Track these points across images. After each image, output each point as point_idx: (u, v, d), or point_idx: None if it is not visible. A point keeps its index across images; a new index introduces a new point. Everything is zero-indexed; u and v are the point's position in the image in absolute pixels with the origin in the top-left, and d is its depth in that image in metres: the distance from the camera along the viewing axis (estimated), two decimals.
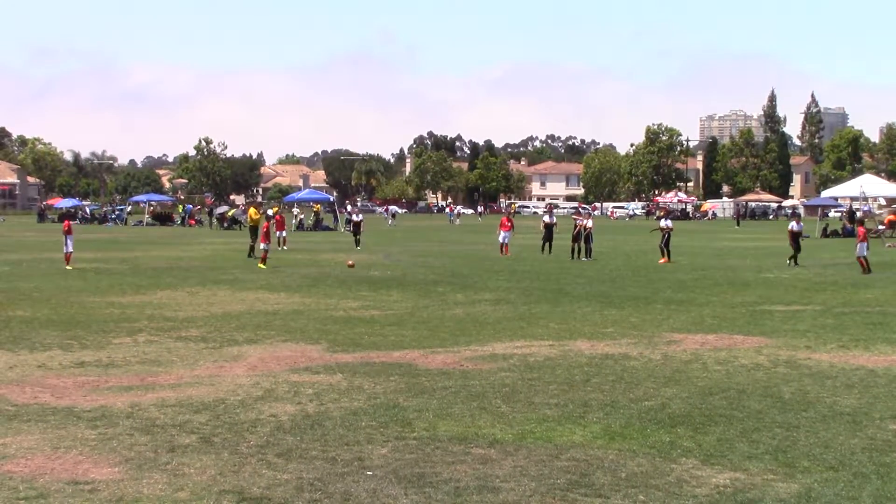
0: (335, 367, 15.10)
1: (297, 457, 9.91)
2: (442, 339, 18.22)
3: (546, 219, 45.16)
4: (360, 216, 55.00)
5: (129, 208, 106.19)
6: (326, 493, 8.74)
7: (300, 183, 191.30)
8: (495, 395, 12.90)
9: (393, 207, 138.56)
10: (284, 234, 49.17)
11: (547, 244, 43.42)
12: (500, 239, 44.57)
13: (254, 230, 42.59)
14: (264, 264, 35.37)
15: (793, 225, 38.50)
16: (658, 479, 9.16)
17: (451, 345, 17.45)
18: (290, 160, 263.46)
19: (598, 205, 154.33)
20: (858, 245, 33.77)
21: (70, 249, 35.32)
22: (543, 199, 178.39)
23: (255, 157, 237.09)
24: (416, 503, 8.51)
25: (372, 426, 11.20)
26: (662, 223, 40.19)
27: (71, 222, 38.10)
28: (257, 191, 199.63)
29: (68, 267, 34.52)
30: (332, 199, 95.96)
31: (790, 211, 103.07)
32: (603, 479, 9.14)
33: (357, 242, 49.61)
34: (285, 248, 46.85)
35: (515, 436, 10.77)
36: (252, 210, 46.40)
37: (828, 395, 13.05)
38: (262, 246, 36.65)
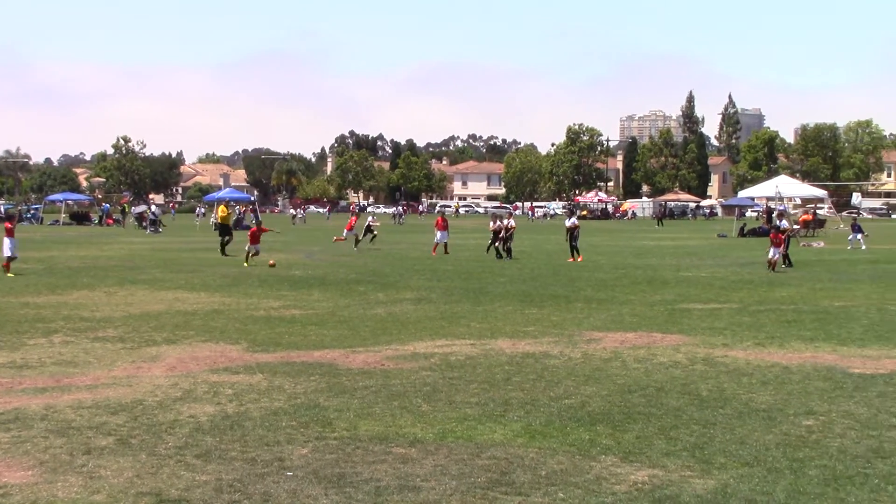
0: (255, 367, 14.98)
1: (216, 458, 9.82)
2: (363, 338, 18.17)
3: (494, 223, 46.03)
4: (378, 221, 57.21)
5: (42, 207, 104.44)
6: (246, 494, 8.66)
7: (220, 182, 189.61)
8: (416, 395, 12.90)
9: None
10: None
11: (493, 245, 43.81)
12: (436, 238, 44.73)
13: (224, 228, 43.98)
14: (248, 263, 36.10)
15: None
16: (577, 477, 9.23)
17: (372, 344, 17.41)
18: (210, 159, 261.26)
19: (518, 204, 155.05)
20: (772, 249, 34.16)
21: (8, 254, 31.56)
22: (465, 199, 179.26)
23: (174, 155, 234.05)
24: (337, 503, 8.48)
25: (292, 426, 11.13)
26: (567, 222, 41.13)
27: (10, 224, 32.92)
28: (177, 190, 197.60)
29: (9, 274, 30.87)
30: (252, 199, 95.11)
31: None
32: (523, 478, 9.18)
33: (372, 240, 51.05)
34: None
35: (436, 435, 10.77)
36: (222, 208, 47.96)
37: (744, 391, 13.26)
38: (247, 247, 37.03)
